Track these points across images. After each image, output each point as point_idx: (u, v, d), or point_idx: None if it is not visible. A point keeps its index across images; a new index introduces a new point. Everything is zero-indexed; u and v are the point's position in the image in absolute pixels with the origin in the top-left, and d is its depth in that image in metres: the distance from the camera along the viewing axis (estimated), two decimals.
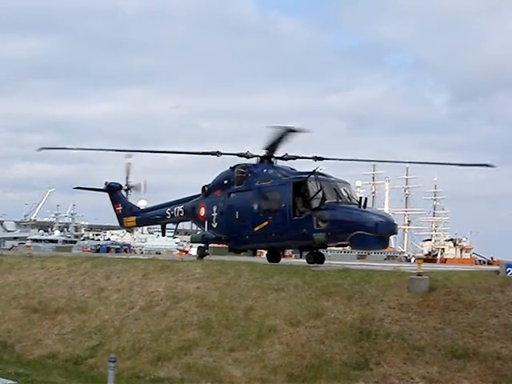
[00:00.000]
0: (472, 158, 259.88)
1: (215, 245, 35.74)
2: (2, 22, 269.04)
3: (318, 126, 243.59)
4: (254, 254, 39.70)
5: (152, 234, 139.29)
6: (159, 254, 77.40)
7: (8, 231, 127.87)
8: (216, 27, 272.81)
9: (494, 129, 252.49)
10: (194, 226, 36.41)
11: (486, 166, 29.32)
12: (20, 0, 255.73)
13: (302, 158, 31.96)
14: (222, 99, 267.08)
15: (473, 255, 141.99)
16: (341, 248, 54.85)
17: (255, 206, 29.84)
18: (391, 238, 39.19)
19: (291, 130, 28.43)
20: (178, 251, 48.41)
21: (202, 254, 32.80)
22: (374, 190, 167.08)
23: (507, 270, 22.11)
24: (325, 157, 31.59)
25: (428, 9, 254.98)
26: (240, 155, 32.02)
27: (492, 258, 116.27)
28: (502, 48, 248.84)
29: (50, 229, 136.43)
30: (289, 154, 31.84)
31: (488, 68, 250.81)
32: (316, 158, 31.32)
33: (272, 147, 30.53)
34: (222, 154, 32.42)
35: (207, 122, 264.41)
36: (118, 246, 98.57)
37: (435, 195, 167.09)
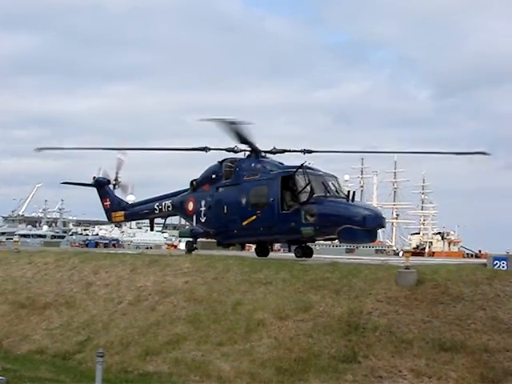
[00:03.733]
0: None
1: (204, 239, 35.73)
2: None
3: (304, 121, 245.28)
4: (243, 248, 39.78)
5: (140, 228, 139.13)
6: (151, 248, 77.37)
7: None
8: (203, 25, 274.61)
9: (477, 123, 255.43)
10: (183, 221, 36.36)
11: (482, 153, 29.50)
12: None
13: (291, 151, 31.95)
14: (210, 95, 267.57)
15: (461, 248, 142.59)
16: (329, 242, 54.97)
17: (243, 201, 29.82)
18: (379, 231, 39.33)
19: (234, 123, 28.44)
20: (166, 246, 48.37)
21: (190, 248, 32.78)
22: (362, 183, 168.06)
23: (494, 262, 22.18)
24: (314, 149, 31.56)
25: (410, 6, 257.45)
26: (228, 150, 32.01)
27: (480, 251, 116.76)
28: (484, 45, 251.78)
29: (38, 224, 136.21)
30: (276, 148, 31.85)
31: (470, 64, 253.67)
32: (305, 151, 31.31)
33: (244, 141, 30.41)
34: (210, 149, 32.39)
35: (195, 117, 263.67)
36: (107, 241, 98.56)
37: (423, 189, 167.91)
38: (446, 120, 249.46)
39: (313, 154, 31.35)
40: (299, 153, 31.53)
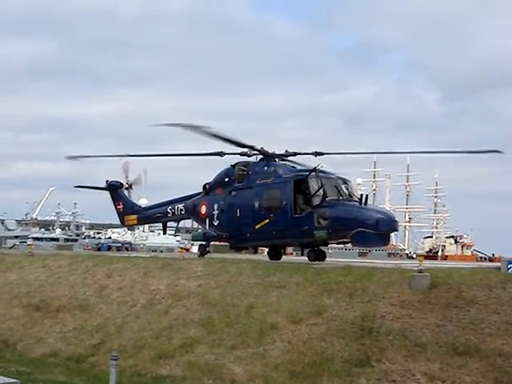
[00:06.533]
0: (470, 155, 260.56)
1: (216, 242, 35.75)
2: (1, 25, 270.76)
3: (314, 124, 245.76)
4: (255, 252, 39.75)
5: (153, 232, 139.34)
6: (161, 252, 77.36)
7: (9, 230, 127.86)
8: (212, 29, 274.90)
9: (487, 127, 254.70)
10: (196, 224, 36.42)
11: (496, 152, 29.42)
12: (19, 3, 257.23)
13: (302, 153, 31.87)
14: (219, 99, 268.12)
15: (474, 252, 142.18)
16: (342, 245, 54.77)
17: (256, 204, 29.85)
18: (392, 235, 39.15)
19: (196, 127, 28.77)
20: (179, 249, 48.45)
21: (203, 251, 32.82)
22: (374, 187, 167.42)
23: (508, 266, 22.14)
24: (325, 152, 31.45)
25: (418, 10, 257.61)
26: (242, 154, 32.08)
27: (493, 255, 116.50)
28: (492, 47, 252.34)
29: (51, 227, 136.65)
30: (288, 151, 31.84)
31: (479, 67, 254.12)
32: (316, 154, 31.24)
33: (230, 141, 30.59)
34: (225, 154, 32.38)
35: (205, 121, 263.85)
36: (119, 245, 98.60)
37: (436, 192, 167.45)
38: (456, 123, 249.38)
39: (324, 156, 31.27)
40: (311, 155, 31.51)
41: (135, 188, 40.48)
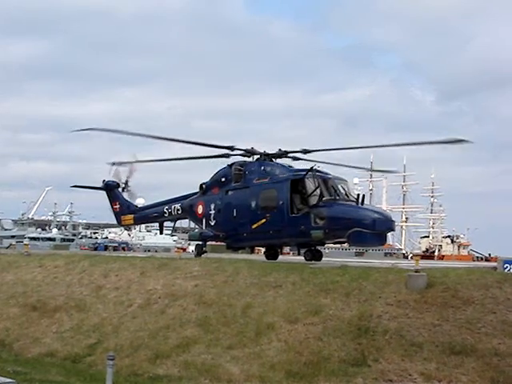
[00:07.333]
0: (466, 155, 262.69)
1: (213, 242, 35.73)
2: (0, 25, 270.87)
3: (310, 125, 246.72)
4: (252, 252, 39.76)
5: (150, 231, 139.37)
6: (156, 251, 77.31)
7: (5, 229, 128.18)
8: (210, 30, 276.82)
9: (483, 127, 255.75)
10: (192, 224, 36.41)
11: (461, 141, 28.25)
12: (17, 4, 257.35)
13: (291, 152, 31.90)
14: (217, 100, 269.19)
15: (470, 252, 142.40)
16: (338, 245, 54.79)
17: (253, 204, 29.86)
18: (389, 234, 39.27)
19: None
20: (176, 249, 48.43)
21: (200, 251, 32.84)
22: (371, 187, 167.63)
23: (505, 266, 22.15)
24: (312, 149, 31.51)
25: (415, 11, 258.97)
26: (243, 155, 32.10)
27: (490, 255, 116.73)
28: (488, 49, 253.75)
29: (47, 227, 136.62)
30: (281, 150, 31.87)
31: (475, 68, 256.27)
32: (304, 151, 31.33)
33: None
34: (235, 149, 32.19)
35: (203, 122, 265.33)
36: (116, 244, 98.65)
37: (432, 192, 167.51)
38: (452, 123, 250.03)
39: (312, 153, 31.35)
40: (299, 153, 31.61)
41: (131, 184, 40.29)
